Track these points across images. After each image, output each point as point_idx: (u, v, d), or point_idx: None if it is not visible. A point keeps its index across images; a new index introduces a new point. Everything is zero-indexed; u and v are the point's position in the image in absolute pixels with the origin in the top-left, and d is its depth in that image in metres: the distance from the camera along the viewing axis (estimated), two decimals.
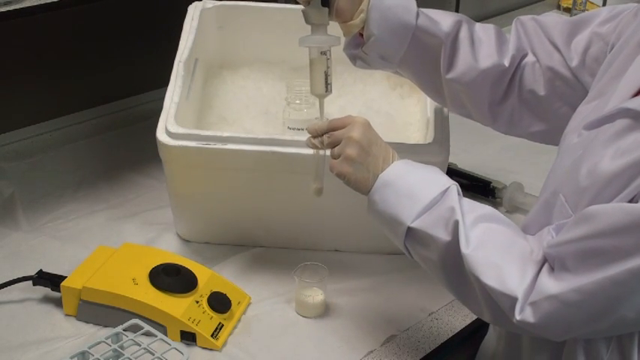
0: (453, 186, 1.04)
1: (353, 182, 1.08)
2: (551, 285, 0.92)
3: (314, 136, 1.13)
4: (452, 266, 1.01)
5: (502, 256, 0.97)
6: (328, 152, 1.12)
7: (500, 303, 0.95)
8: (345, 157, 1.08)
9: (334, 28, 1.20)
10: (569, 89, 1.17)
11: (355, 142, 1.07)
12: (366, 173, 1.07)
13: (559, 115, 1.18)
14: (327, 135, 1.11)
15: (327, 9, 1.17)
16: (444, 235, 1.00)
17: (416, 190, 1.04)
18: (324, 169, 1.15)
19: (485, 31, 1.22)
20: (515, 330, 0.99)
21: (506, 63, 1.19)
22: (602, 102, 1.02)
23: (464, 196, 1.05)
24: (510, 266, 0.95)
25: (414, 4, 1.20)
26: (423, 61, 1.23)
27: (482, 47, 1.20)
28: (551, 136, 1.21)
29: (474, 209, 1.02)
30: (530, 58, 1.19)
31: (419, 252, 1.05)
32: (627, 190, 0.89)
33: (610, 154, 0.92)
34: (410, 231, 1.04)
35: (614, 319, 0.90)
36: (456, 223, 0.99)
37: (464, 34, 1.20)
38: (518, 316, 0.93)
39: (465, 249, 0.97)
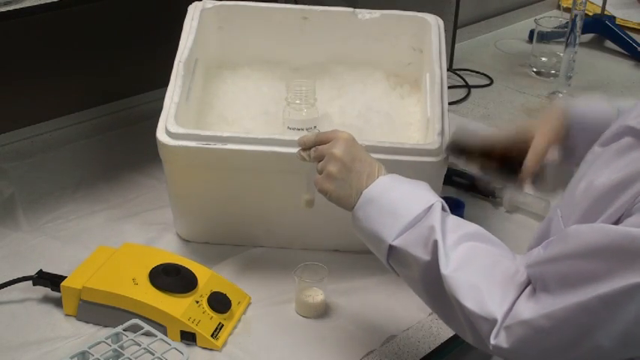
0: (438, 202, 1.01)
1: (335, 199, 1.07)
2: (526, 308, 0.88)
3: (303, 149, 1.13)
4: (433, 286, 0.97)
5: (483, 277, 0.93)
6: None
7: (478, 327, 0.92)
8: (327, 174, 1.07)
9: None
10: None
11: (337, 159, 1.06)
12: (349, 190, 1.05)
13: None
14: (313, 149, 1.11)
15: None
16: (423, 255, 0.97)
17: (399, 207, 1.01)
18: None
19: None
20: (495, 354, 0.94)
21: None
22: (620, 120, 0.99)
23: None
24: (491, 288, 0.92)
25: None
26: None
27: None
28: None
29: (458, 228, 0.99)
30: None
31: (401, 271, 1.03)
32: (610, 210, 0.86)
33: (607, 172, 0.90)
34: (392, 249, 1.01)
35: (588, 348, 0.85)
36: (435, 242, 0.96)
37: None
38: (493, 341, 0.90)
39: (444, 269, 0.94)
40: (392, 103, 1.54)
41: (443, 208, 1.01)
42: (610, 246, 0.82)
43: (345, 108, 1.52)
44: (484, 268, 0.95)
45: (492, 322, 0.90)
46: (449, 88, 1.40)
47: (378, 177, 1.06)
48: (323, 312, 1.27)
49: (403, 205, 1.02)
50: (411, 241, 0.99)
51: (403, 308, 1.28)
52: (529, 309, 0.88)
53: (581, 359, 0.88)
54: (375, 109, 1.51)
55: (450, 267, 0.94)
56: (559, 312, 0.85)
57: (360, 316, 1.26)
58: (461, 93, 2.09)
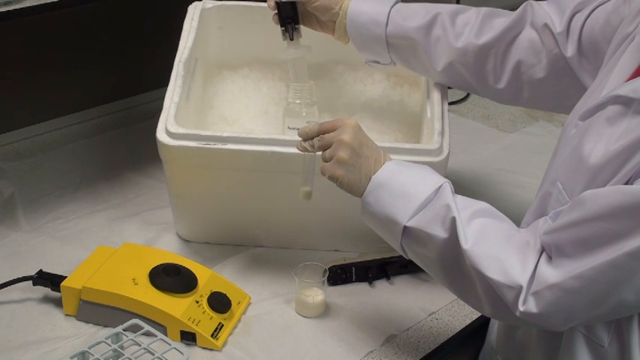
0: (446, 184, 1.05)
1: (346, 185, 1.09)
2: (551, 273, 0.92)
3: (304, 140, 1.14)
4: (450, 262, 1.01)
5: (502, 248, 0.97)
6: (319, 154, 1.12)
7: (503, 296, 0.96)
8: (337, 160, 1.08)
9: None
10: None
11: (346, 145, 1.08)
12: (358, 175, 1.08)
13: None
14: (317, 138, 1.12)
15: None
16: (441, 233, 1.01)
17: (409, 189, 1.05)
18: (314, 172, 1.15)
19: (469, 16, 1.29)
20: (516, 322, 0.99)
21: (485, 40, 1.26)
22: (596, 92, 1.04)
23: None
24: (511, 258, 0.96)
25: (384, 14, 1.30)
26: (412, 58, 1.33)
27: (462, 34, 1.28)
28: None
29: (468, 205, 1.02)
30: None
31: (416, 250, 1.06)
32: (621, 174, 0.90)
33: (604, 141, 0.94)
34: (406, 230, 1.04)
35: (614, 303, 0.90)
36: (453, 219, 0.99)
37: (438, 28, 1.28)
38: (521, 307, 0.94)
39: (465, 244, 0.98)
40: (392, 103, 1.54)
41: (450, 189, 1.05)
42: (631, 204, 0.86)
43: (345, 108, 1.52)
44: (500, 240, 0.99)
45: (517, 289, 0.94)
46: (449, 88, 1.41)
47: (384, 162, 1.09)
48: (323, 312, 1.27)
49: (413, 187, 1.05)
50: (426, 221, 1.02)
51: (403, 308, 1.29)
52: (554, 273, 0.92)
53: (604, 315, 0.94)
54: (375, 109, 1.51)
55: (469, 242, 0.98)
56: (589, 272, 0.89)
57: (360, 316, 1.26)
58: (461, 93, 2.09)
